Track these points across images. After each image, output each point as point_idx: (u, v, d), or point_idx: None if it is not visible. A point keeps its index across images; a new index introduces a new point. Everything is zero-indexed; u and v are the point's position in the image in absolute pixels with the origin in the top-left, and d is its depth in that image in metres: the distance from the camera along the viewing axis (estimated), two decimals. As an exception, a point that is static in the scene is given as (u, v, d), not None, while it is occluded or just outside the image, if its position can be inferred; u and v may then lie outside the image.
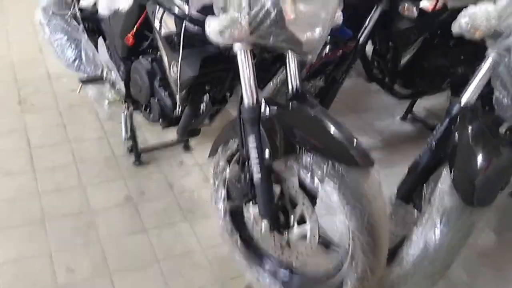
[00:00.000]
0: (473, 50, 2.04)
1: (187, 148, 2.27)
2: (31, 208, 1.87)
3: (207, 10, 1.27)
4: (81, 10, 2.04)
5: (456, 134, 1.37)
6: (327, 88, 1.98)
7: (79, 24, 2.04)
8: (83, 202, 1.91)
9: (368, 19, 1.90)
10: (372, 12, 1.89)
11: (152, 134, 2.32)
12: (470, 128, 1.37)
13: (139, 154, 2.13)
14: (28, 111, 2.45)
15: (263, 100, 1.31)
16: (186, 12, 1.33)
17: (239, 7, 1.15)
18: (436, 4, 1.84)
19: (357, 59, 2.02)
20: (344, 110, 2.80)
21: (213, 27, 1.15)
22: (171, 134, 2.15)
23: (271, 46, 1.26)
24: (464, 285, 1.66)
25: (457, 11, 1.88)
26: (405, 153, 2.42)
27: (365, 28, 1.91)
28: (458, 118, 1.40)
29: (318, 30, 1.25)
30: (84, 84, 2.01)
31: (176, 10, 1.36)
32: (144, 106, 1.85)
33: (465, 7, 1.82)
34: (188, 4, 1.33)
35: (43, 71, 2.78)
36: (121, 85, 1.92)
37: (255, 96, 1.30)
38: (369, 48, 2.16)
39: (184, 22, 1.37)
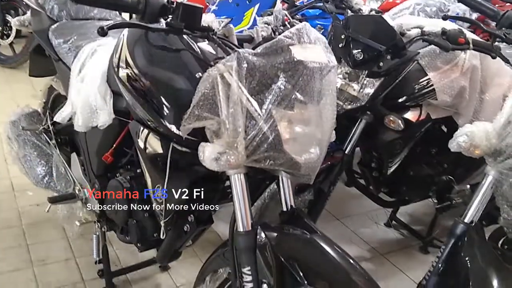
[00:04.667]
0: (454, 158, 2.06)
1: (164, 268, 2.08)
2: None
3: (196, 133, 1.19)
4: (54, 124, 1.94)
5: (467, 259, 1.27)
6: (315, 201, 1.89)
7: (50, 139, 1.93)
8: None
9: (353, 131, 1.87)
10: (357, 124, 1.86)
11: (125, 252, 2.13)
12: (479, 250, 1.28)
13: (110, 278, 1.92)
14: (-12, 229, 2.23)
15: (258, 226, 1.20)
16: (174, 133, 1.25)
17: (235, 131, 1.07)
18: (420, 115, 1.84)
19: (343, 170, 1.97)
20: (326, 217, 2.71)
21: (208, 154, 1.06)
22: (147, 252, 1.99)
23: (266, 169, 1.18)
24: None
25: (439, 121, 1.94)
26: (396, 263, 2.34)
27: (350, 140, 1.88)
28: (465, 239, 1.32)
29: (315, 151, 1.19)
30: (53, 204, 1.84)
31: (163, 130, 1.28)
32: (120, 227, 1.69)
33: (448, 117, 1.88)
34: (175, 125, 1.24)
35: (7, 183, 2.60)
36: (95, 204, 1.77)
37: (250, 222, 1.19)
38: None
39: (171, 143, 1.28)
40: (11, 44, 4.40)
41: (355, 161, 2.22)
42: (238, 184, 1.16)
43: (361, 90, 1.77)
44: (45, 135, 1.95)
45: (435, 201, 2.24)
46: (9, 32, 4.32)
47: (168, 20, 1.12)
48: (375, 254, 2.43)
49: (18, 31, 4.31)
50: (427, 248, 2.44)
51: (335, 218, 2.71)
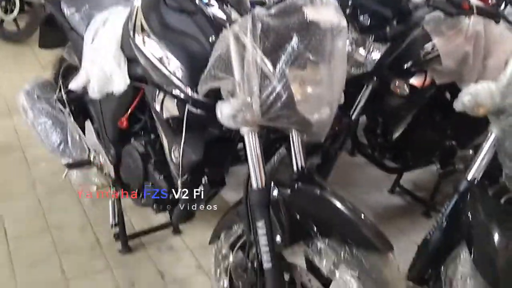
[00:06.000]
0: (458, 123, 2.12)
1: (176, 231, 2.15)
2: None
3: (210, 93, 1.25)
4: (67, 93, 1.99)
5: (469, 213, 1.33)
6: (323, 165, 1.95)
7: (65, 107, 1.99)
8: (67, 299, 1.75)
9: (359, 97, 1.92)
10: (363, 90, 1.91)
11: (138, 217, 2.21)
12: (481, 205, 1.34)
13: (126, 241, 2.00)
14: (5, 198, 2.29)
15: (272, 182, 1.26)
16: (190, 95, 1.30)
17: (250, 91, 1.12)
18: (425, 80, 1.89)
19: (350, 135, 2.02)
20: (331, 185, 2.77)
21: (225, 112, 1.11)
22: (158, 216, 2.06)
23: (279, 128, 1.24)
24: None
25: (443, 87, 1.98)
26: (400, 228, 2.41)
27: (356, 105, 1.93)
28: (468, 195, 1.38)
29: (326, 111, 1.23)
30: (70, 169, 1.91)
31: (179, 93, 1.33)
32: (136, 190, 1.76)
33: (451, 83, 1.93)
34: (191, 87, 1.30)
35: (19, 155, 2.66)
36: (110, 169, 1.83)
37: (263, 179, 1.24)
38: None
39: (186, 105, 1.33)
40: (15, 20, 4.40)
41: (360, 130, 2.27)
42: (252, 142, 1.21)
43: (367, 56, 1.81)
44: (59, 103, 2.00)
45: (438, 166, 2.31)
46: (13, 7, 4.31)
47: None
48: (379, 219, 2.49)
49: (21, 6, 4.32)
50: (429, 213, 2.50)
51: (340, 186, 2.76)
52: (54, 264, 1.91)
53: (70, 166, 1.89)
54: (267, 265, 1.23)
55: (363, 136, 2.31)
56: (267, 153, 1.76)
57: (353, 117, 1.93)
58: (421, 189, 2.76)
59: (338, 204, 1.23)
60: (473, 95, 1.31)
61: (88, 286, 1.82)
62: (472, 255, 1.26)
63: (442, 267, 1.37)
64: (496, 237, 1.27)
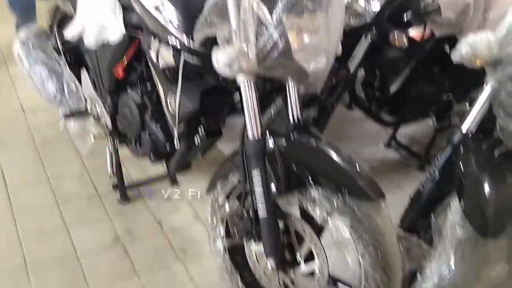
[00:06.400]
0: (456, 76, 2.11)
1: (174, 182, 2.18)
2: (11, 255, 1.74)
3: (206, 42, 1.23)
4: (63, 42, 1.96)
5: (461, 164, 1.35)
6: (319, 117, 1.96)
7: (60, 56, 1.97)
8: (67, 246, 1.79)
9: (357, 48, 1.90)
10: (361, 42, 1.89)
11: (135, 168, 2.23)
12: (474, 157, 1.36)
13: (124, 191, 2.03)
14: (3, 147, 2.31)
15: (267, 132, 1.27)
16: (185, 44, 1.29)
17: (246, 38, 1.11)
18: (424, 33, 1.86)
19: (347, 87, 2.02)
20: (327, 138, 2.78)
21: (221, 60, 1.10)
22: (156, 167, 2.08)
23: (275, 77, 1.23)
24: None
25: (442, 40, 1.96)
26: (394, 181, 2.44)
27: (354, 58, 1.91)
28: (461, 147, 1.40)
29: (323, 61, 1.23)
30: (67, 119, 1.91)
31: (174, 41, 1.32)
32: (133, 140, 1.77)
33: (452, 35, 1.90)
34: (187, 36, 1.28)
35: (17, 106, 2.65)
36: (107, 119, 1.83)
37: (259, 129, 1.25)
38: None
39: (182, 54, 1.32)
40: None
41: (357, 84, 2.26)
42: (248, 91, 1.20)
43: (367, 6, 1.78)
44: (55, 53, 1.98)
45: (435, 122, 2.32)
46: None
47: None
48: (375, 172, 2.53)
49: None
50: (424, 167, 2.52)
51: (336, 139, 2.77)
52: (54, 213, 1.95)
53: (67, 116, 1.90)
54: (262, 213, 1.26)
55: (361, 90, 2.30)
56: (263, 104, 1.77)
57: (351, 69, 1.91)
58: (416, 144, 2.78)
59: (333, 154, 1.25)
60: (471, 46, 1.30)
61: (88, 234, 1.87)
62: (462, 204, 1.29)
63: (433, 216, 1.40)
64: (486, 187, 1.29)
